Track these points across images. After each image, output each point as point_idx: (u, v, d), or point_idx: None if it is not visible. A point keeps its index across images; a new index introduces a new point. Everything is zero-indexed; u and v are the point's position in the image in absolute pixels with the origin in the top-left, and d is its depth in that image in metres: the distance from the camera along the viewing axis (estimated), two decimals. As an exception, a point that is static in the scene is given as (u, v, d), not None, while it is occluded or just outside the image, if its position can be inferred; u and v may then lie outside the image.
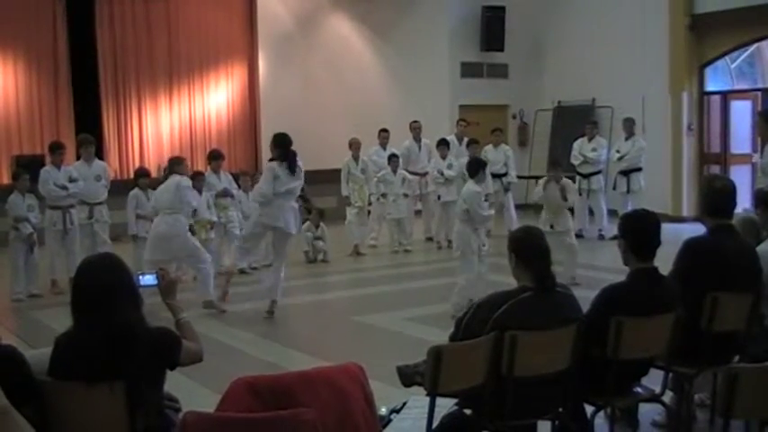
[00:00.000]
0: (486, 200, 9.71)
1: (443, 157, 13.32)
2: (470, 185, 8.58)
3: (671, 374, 4.57)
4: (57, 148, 10.76)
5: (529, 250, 4.08)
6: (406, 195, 13.19)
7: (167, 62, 18.11)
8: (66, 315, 3.47)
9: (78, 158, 11.26)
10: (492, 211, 8.92)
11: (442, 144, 13.45)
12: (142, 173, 11.33)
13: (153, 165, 16.52)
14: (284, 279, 8.96)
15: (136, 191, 10.83)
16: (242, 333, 8.23)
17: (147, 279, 3.88)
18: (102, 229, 10.85)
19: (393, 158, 13.10)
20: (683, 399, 4.80)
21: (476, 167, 8.72)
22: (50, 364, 3.41)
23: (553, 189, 9.58)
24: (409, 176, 13.35)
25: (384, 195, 12.94)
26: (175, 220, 9.20)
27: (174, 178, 9.33)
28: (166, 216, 9.20)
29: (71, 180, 10.44)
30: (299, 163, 8.86)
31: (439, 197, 13.33)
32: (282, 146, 8.81)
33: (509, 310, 3.91)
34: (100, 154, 15.31)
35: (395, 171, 13.00)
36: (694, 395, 5.06)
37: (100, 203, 10.88)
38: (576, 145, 13.98)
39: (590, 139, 13.90)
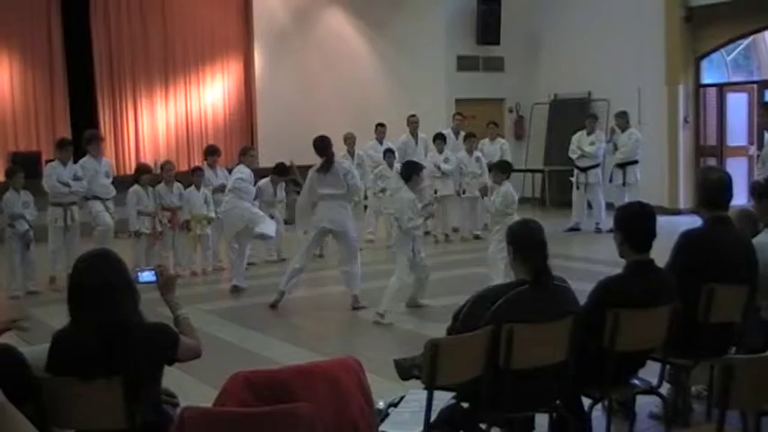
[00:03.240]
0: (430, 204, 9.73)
1: (440, 152, 13.33)
2: (403, 192, 8.24)
3: (668, 366, 4.58)
4: (65, 144, 10.77)
5: (526, 244, 4.08)
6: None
7: (163, 57, 18.12)
8: (64, 312, 3.48)
9: (77, 154, 11.21)
10: (419, 221, 8.21)
11: (439, 138, 13.45)
12: (144, 169, 11.31)
13: (149, 160, 16.50)
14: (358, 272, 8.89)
15: (136, 187, 10.80)
16: (240, 328, 8.22)
17: (146, 275, 3.89)
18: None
19: (388, 153, 13.07)
20: (680, 390, 4.82)
21: (409, 172, 8.28)
22: (48, 361, 3.42)
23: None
24: (406, 170, 13.31)
25: (383, 190, 12.89)
26: (231, 201, 9.99)
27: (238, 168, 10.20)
28: (228, 196, 10.07)
29: (75, 178, 10.45)
30: (343, 165, 9.06)
31: (435, 191, 13.32)
32: (318, 148, 8.91)
33: (506, 303, 3.92)
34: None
35: (391, 166, 12.97)
36: (691, 387, 5.08)
37: (109, 199, 10.91)
38: (574, 138, 13.99)
39: (589, 133, 13.89)
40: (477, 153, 13.57)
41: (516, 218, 8.10)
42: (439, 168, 13.16)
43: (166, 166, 11.32)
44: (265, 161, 18.52)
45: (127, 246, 10.51)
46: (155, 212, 10.80)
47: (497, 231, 8.46)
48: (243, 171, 10.12)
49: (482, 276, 8.72)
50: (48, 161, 11.20)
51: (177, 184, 11.09)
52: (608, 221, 12.51)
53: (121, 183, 11.61)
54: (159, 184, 11.02)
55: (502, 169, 9.02)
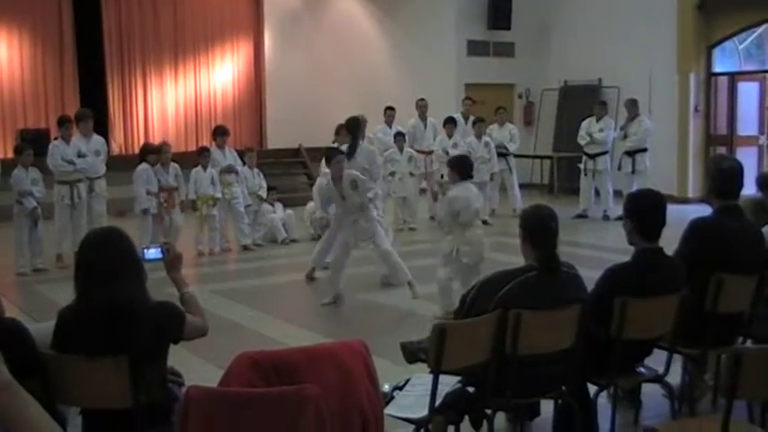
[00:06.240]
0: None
1: (450, 136, 13.28)
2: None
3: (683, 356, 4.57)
4: (65, 121, 10.76)
5: (537, 230, 4.07)
6: (412, 174, 13.13)
7: (173, 38, 18.07)
8: (71, 289, 3.47)
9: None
10: None
11: (449, 122, 13.39)
12: (150, 149, 11.24)
13: (158, 140, 16.45)
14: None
15: (146, 165, 10.76)
16: (246, 309, 8.24)
17: (153, 253, 3.86)
18: (99, 203, 10.85)
19: (399, 137, 13.02)
20: (691, 379, 4.80)
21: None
22: (54, 338, 3.42)
23: None
24: (416, 155, 13.28)
25: (392, 174, 12.84)
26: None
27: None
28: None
29: (80, 155, 10.44)
30: (362, 146, 9.25)
31: (442, 176, 13.28)
32: (347, 129, 9.24)
33: (514, 288, 3.91)
34: (105, 129, 15.31)
35: (401, 149, 12.92)
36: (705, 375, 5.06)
37: (98, 178, 10.87)
38: (583, 125, 13.90)
39: (598, 120, 13.81)
40: (486, 138, 13.53)
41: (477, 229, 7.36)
42: (447, 153, 13.10)
43: (164, 147, 11.26)
44: (274, 143, 18.56)
45: (130, 225, 10.50)
46: (158, 192, 10.80)
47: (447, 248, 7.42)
48: None
49: (489, 261, 8.69)
50: (55, 139, 11.18)
51: (174, 165, 11.04)
52: (616, 209, 12.50)
53: (129, 162, 11.59)
54: (156, 165, 10.95)
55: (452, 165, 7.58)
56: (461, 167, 7.36)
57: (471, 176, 7.50)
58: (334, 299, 8.21)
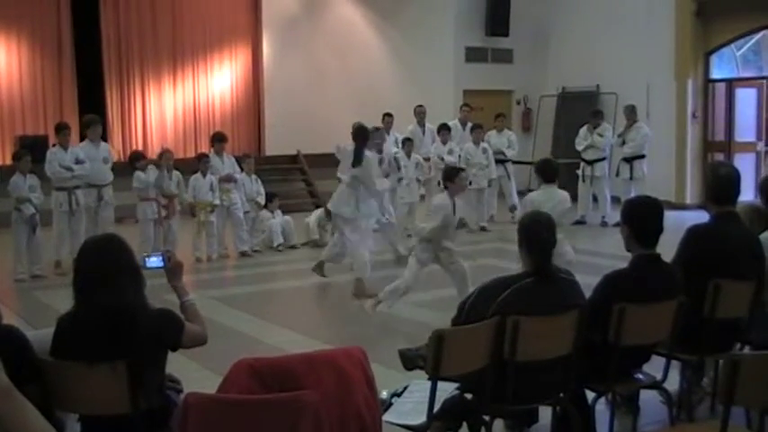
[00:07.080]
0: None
1: (444, 143, 13.28)
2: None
3: (681, 362, 4.57)
4: (62, 128, 10.77)
5: (533, 239, 4.07)
6: (418, 180, 13.08)
7: (171, 44, 18.09)
8: (69, 296, 3.48)
9: (82, 139, 11.23)
10: None
11: (443, 129, 13.40)
12: (138, 156, 11.27)
13: (156, 147, 16.47)
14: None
15: (140, 173, 10.77)
16: (245, 315, 8.23)
17: (154, 261, 3.87)
18: (107, 211, 10.87)
19: (407, 142, 12.92)
20: (689, 386, 4.80)
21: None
22: (52, 344, 3.42)
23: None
24: (423, 161, 13.20)
25: (400, 180, 12.70)
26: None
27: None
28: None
29: (77, 162, 10.45)
30: (366, 154, 9.03)
31: (439, 183, 13.24)
32: (354, 137, 9.08)
33: (512, 294, 3.91)
34: (103, 135, 15.26)
35: (409, 155, 12.84)
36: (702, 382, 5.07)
37: (106, 185, 10.88)
38: (581, 132, 13.93)
39: (595, 128, 13.79)
40: (483, 144, 13.54)
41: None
42: (442, 160, 13.10)
43: (165, 154, 11.26)
44: (272, 150, 18.56)
45: (128, 231, 10.50)
46: (156, 198, 10.80)
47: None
48: None
49: (488, 268, 8.72)
50: (53, 145, 11.19)
51: (176, 173, 11.05)
52: (614, 215, 12.49)
53: (127, 169, 11.58)
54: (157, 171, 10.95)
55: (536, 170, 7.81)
56: (543, 171, 7.47)
57: (553, 180, 7.42)
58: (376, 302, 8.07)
